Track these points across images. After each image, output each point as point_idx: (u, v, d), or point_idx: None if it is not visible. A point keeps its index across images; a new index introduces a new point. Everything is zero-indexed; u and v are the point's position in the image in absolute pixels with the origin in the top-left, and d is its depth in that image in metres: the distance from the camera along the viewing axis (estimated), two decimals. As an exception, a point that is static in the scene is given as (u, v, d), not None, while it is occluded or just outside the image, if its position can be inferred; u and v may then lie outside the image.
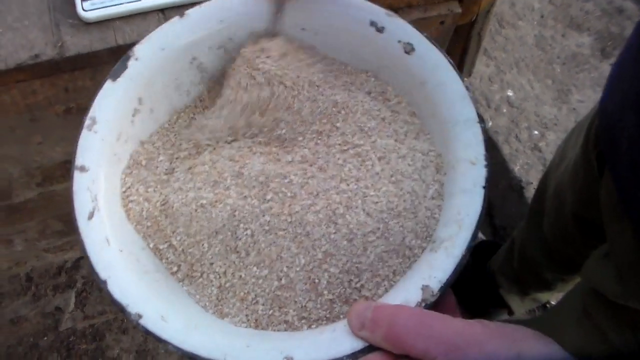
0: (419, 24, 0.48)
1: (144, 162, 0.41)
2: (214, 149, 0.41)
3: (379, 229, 0.35)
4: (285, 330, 0.34)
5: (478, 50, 0.93)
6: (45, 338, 0.89)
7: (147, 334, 0.31)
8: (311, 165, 0.39)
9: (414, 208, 0.36)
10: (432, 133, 0.39)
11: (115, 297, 0.32)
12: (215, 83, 0.45)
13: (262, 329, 0.35)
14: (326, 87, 0.42)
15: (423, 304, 0.30)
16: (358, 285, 0.34)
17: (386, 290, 0.34)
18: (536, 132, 1.14)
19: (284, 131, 0.41)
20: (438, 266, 0.32)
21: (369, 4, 0.41)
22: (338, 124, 0.40)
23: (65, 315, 0.90)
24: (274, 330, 0.35)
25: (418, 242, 0.35)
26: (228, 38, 0.43)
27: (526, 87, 1.16)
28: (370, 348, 0.29)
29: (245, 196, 0.37)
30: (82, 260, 0.93)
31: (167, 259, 0.38)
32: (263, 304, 0.35)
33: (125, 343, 0.88)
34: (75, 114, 0.60)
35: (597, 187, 0.45)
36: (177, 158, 0.42)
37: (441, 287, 0.31)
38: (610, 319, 0.37)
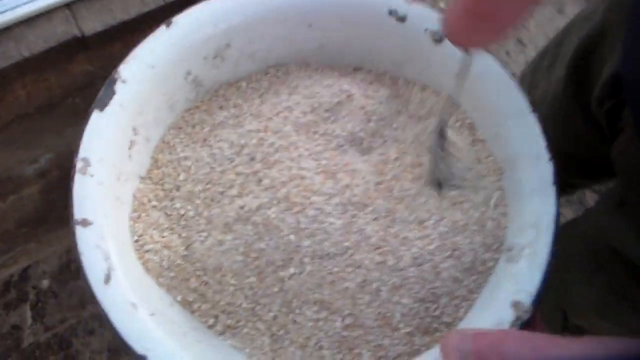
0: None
1: (152, 202, 0.34)
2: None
3: (445, 246, 0.31)
4: None
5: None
6: (10, 359, 0.81)
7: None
8: None
9: (480, 220, 0.33)
10: (480, 129, 0.36)
11: None
12: (212, 96, 0.39)
13: None
14: None
15: (519, 323, 0.27)
16: (437, 312, 0.30)
17: (465, 312, 0.30)
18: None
19: None
20: (523, 278, 0.29)
21: None
22: None
23: (25, 331, 0.83)
24: None
25: (489, 255, 0.32)
26: (225, 44, 0.37)
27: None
28: None
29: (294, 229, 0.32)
30: (30, 269, 0.86)
31: (200, 311, 0.32)
32: (329, 349, 0.31)
33: (95, 344, 0.83)
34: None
35: (585, 129, 0.44)
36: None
37: (533, 301, 0.28)
38: None
